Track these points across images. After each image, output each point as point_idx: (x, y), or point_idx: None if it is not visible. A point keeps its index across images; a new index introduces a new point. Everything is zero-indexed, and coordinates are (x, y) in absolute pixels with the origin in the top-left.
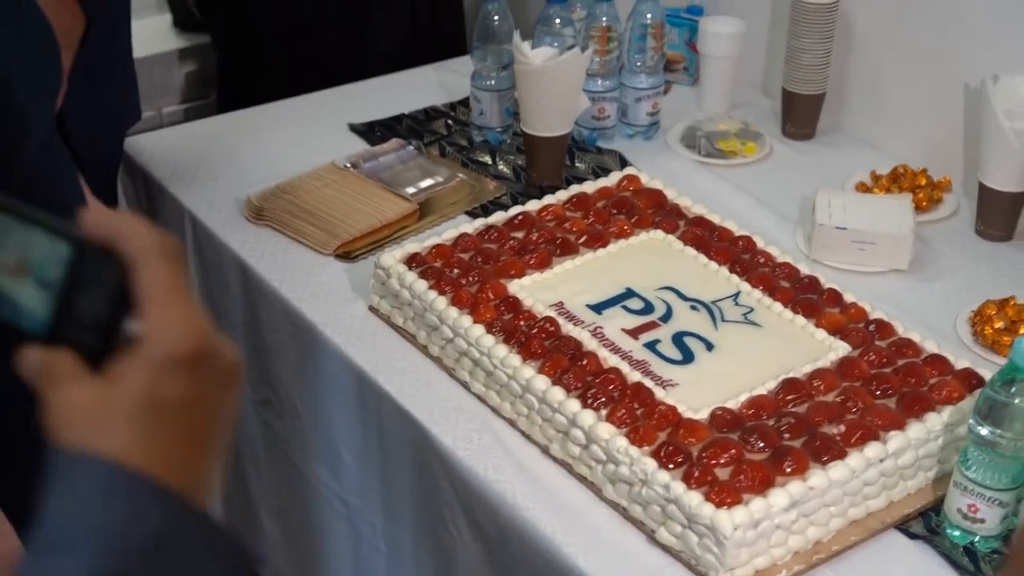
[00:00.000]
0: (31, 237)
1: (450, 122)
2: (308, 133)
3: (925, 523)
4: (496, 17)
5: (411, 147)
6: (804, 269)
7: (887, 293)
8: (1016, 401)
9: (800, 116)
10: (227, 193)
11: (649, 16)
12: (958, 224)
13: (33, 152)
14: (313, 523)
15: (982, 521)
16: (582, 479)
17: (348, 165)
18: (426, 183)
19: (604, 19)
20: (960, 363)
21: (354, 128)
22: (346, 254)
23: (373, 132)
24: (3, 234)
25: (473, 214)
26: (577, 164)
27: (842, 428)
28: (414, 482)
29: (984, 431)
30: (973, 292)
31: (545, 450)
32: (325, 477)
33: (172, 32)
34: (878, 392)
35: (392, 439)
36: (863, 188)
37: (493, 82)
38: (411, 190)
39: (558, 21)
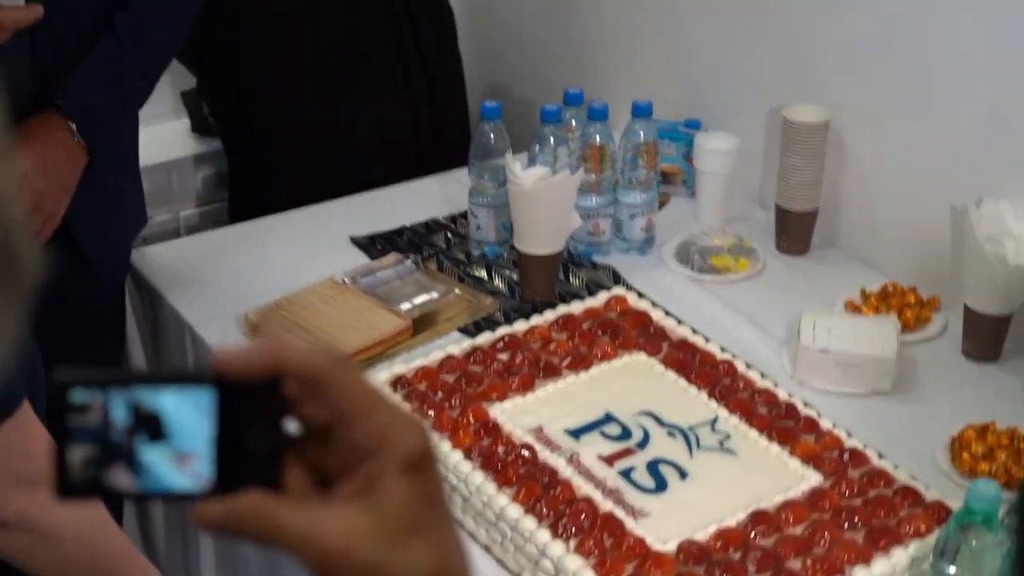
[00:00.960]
0: (165, 398)
1: (450, 235)
2: (311, 245)
3: None
4: (492, 135)
5: (409, 262)
6: (783, 395)
7: (870, 415)
8: (973, 543)
9: (793, 232)
10: (228, 308)
11: (642, 134)
12: (945, 344)
13: None
14: None
15: None
16: None
17: (346, 280)
18: (421, 299)
19: (598, 137)
20: (931, 495)
21: (355, 241)
22: None
23: (374, 245)
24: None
25: (466, 331)
26: (571, 279)
27: (808, 563)
28: None
29: (945, 568)
30: (956, 415)
31: None
32: None
33: (190, 137)
34: (847, 524)
35: None
36: (852, 306)
37: (489, 198)
38: (406, 306)
39: (552, 140)
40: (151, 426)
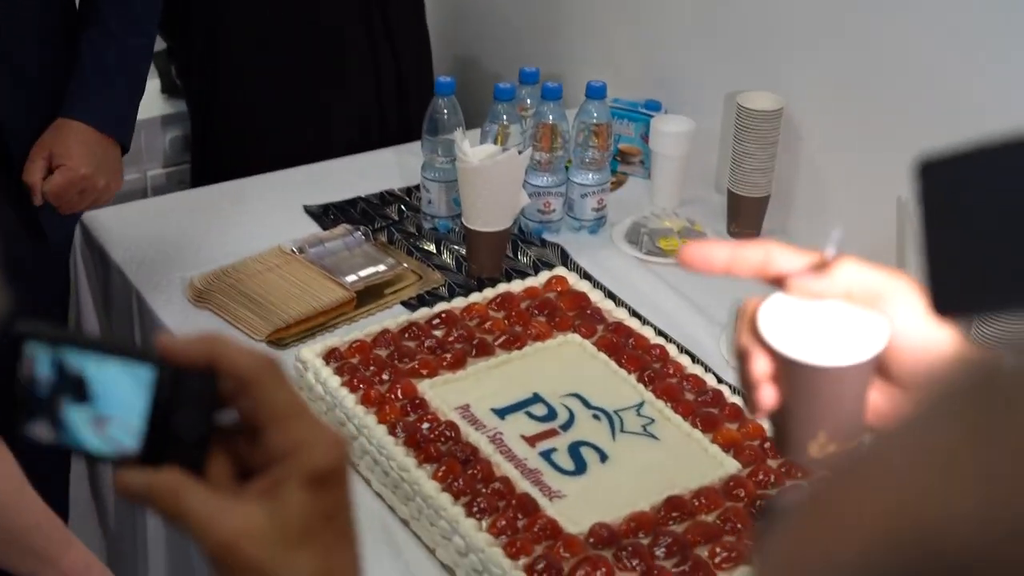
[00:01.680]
0: (105, 367)
1: (403, 207)
2: (264, 213)
3: None
4: (445, 111)
5: (358, 233)
6: (711, 381)
7: None
8: None
9: (744, 217)
10: (175, 273)
11: (595, 115)
12: None
13: None
14: None
15: None
16: None
17: (294, 250)
18: (367, 271)
19: (551, 116)
20: None
21: (308, 210)
22: (278, 340)
23: (327, 215)
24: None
25: (409, 304)
26: (519, 257)
27: (716, 549)
28: None
29: None
30: None
31: (432, 552)
32: None
33: (159, 98)
34: (759, 513)
35: None
36: None
37: (441, 173)
38: (351, 278)
39: (505, 118)
40: (77, 388)
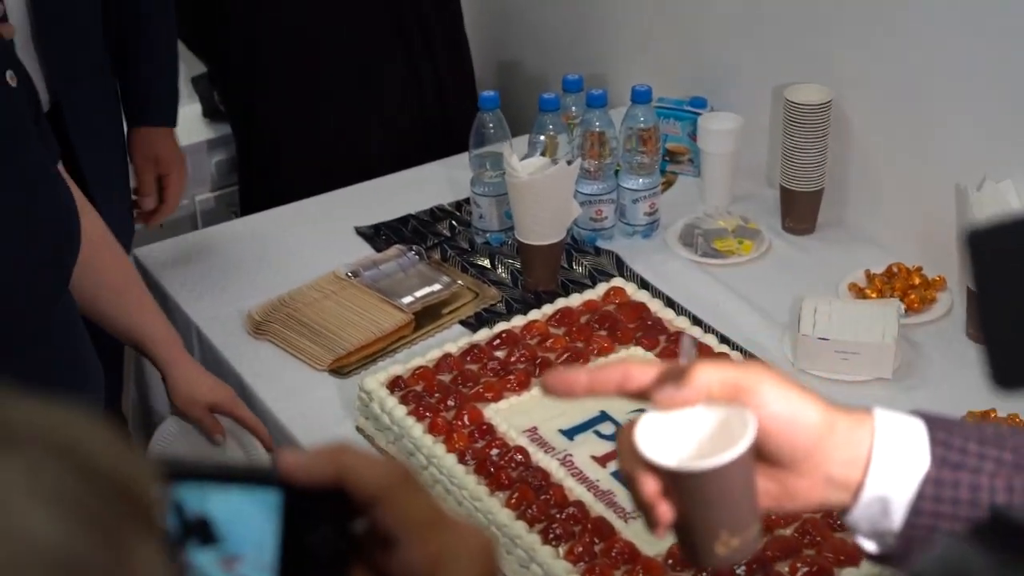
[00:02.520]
0: (227, 499)
1: (454, 222)
2: (316, 237)
3: None
4: (491, 124)
5: (412, 253)
6: None
7: (871, 402)
8: None
9: (798, 212)
10: (232, 305)
11: (642, 119)
12: (950, 325)
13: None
14: None
15: None
16: None
17: (349, 274)
18: (424, 291)
19: (597, 124)
20: None
21: (360, 231)
22: (340, 369)
23: (379, 235)
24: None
25: (468, 323)
26: (574, 267)
27: (797, 565)
28: None
29: None
30: (957, 401)
31: None
32: None
33: (202, 122)
34: (836, 524)
35: None
36: (856, 289)
37: (490, 188)
38: (408, 299)
39: (551, 127)
40: (201, 530)
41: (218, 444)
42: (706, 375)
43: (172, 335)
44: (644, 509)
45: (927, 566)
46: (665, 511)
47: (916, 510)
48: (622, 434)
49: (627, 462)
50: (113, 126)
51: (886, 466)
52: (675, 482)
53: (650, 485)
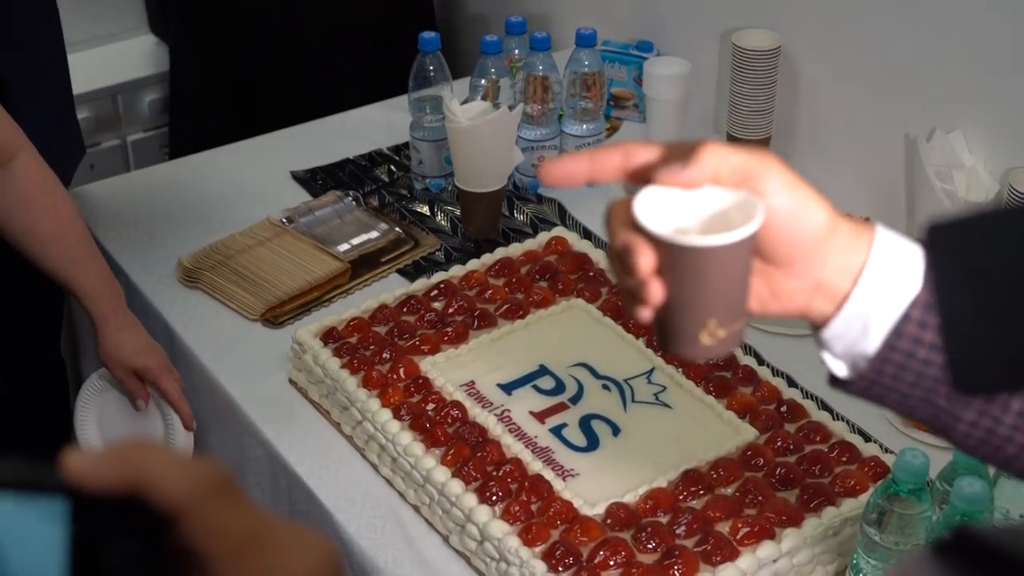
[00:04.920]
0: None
1: (393, 168)
2: (250, 181)
3: None
4: (431, 68)
5: (349, 199)
6: None
7: (816, 357)
8: (897, 509)
9: None
10: (162, 251)
11: (587, 63)
12: None
13: None
14: None
15: None
16: (480, 573)
17: (283, 220)
18: (360, 239)
19: (540, 68)
20: (868, 450)
21: (295, 176)
22: (273, 318)
23: (315, 180)
24: None
25: (406, 272)
26: (516, 215)
27: (738, 525)
28: None
29: (872, 534)
30: None
31: (446, 540)
32: None
33: (141, 60)
34: (779, 484)
35: (303, 518)
36: None
37: (430, 132)
38: (344, 247)
39: (493, 71)
40: None
41: (139, 409)
42: (715, 157)
43: (107, 289)
44: (633, 286)
45: None
46: (657, 290)
47: (898, 331)
48: (615, 206)
49: (620, 234)
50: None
51: (876, 281)
52: (674, 258)
53: (646, 259)
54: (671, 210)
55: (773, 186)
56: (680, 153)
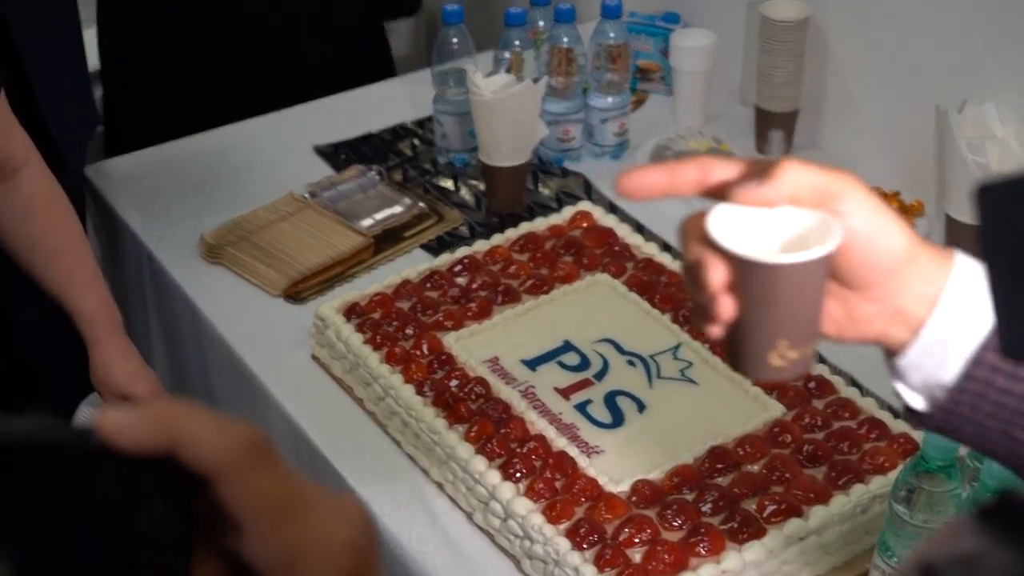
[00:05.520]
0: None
1: (416, 142)
2: (272, 156)
3: None
4: (455, 40)
5: (372, 174)
6: None
7: None
8: (926, 486)
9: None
10: (184, 226)
11: (612, 35)
12: None
13: None
14: None
15: None
16: (503, 550)
17: (306, 195)
18: (384, 214)
19: (565, 40)
20: (897, 426)
21: (319, 150)
22: (296, 294)
23: (338, 154)
24: None
25: (429, 247)
26: (541, 189)
27: (764, 503)
28: None
29: (901, 511)
30: None
31: (470, 517)
32: None
33: None
34: (807, 460)
35: None
36: None
37: (454, 106)
38: (368, 222)
39: (517, 43)
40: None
41: None
42: (794, 174)
43: (102, 311)
44: (704, 302)
45: (932, 554)
46: (727, 306)
47: (977, 360)
48: (689, 220)
49: (692, 249)
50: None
51: (954, 307)
52: (747, 275)
53: (717, 274)
54: (746, 228)
55: (853, 207)
56: (759, 171)
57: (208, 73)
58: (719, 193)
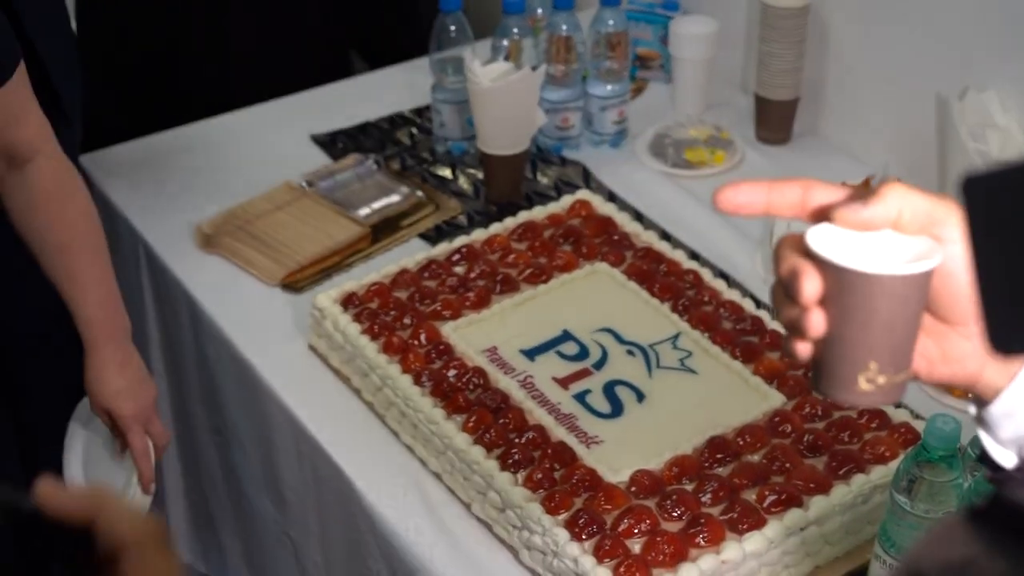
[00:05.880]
0: None
1: (414, 130)
2: (269, 145)
3: None
4: (452, 27)
5: (370, 162)
6: (749, 307)
7: None
8: (928, 476)
9: (773, 122)
10: (181, 216)
11: (611, 23)
12: None
13: None
14: (267, 551)
15: None
16: (502, 541)
17: (303, 184)
18: (381, 203)
19: (564, 27)
20: (898, 415)
21: (316, 139)
22: (293, 284)
23: (335, 143)
24: None
25: (427, 236)
26: (539, 178)
27: (765, 493)
28: (346, 530)
29: (902, 502)
30: None
31: (468, 508)
32: (271, 510)
33: None
34: (807, 451)
35: (325, 486)
36: None
37: (452, 94)
38: (365, 211)
39: (516, 31)
40: None
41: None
42: (898, 197)
43: (103, 317)
44: (794, 316)
45: (923, 560)
46: (819, 320)
47: None
48: (786, 237)
49: (788, 259)
50: None
51: None
52: (843, 286)
53: (812, 283)
54: (845, 249)
55: (956, 234)
56: (862, 194)
57: (176, 69)
58: (819, 215)
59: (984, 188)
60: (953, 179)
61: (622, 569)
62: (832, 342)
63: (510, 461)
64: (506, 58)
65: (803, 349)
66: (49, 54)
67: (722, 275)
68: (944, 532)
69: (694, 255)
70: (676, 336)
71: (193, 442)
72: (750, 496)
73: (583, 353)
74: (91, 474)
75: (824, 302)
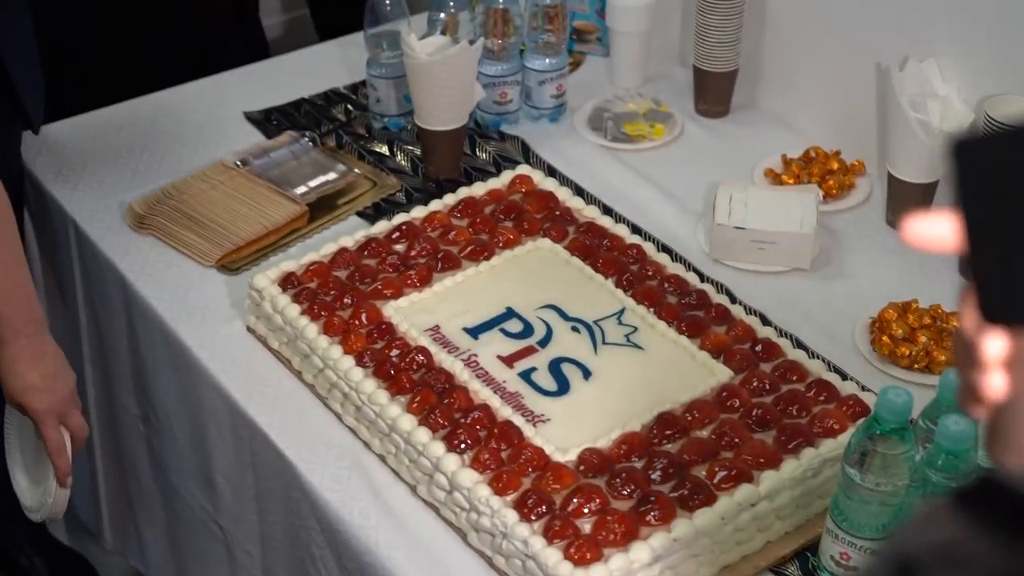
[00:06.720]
0: None
1: (350, 107)
2: (201, 123)
3: (801, 564)
4: (388, 2)
5: (305, 140)
6: (694, 280)
7: (788, 294)
8: (879, 449)
9: (712, 94)
10: (112, 196)
11: None
12: (870, 212)
13: None
14: (193, 542)
15: (855, 569)
16: (449, 523)
17: (238, 163)
18: (318, 181)
19: (501, 1)
20: (846, 388)
21: (249, 117)
22: (229, 264)
23: (269, 120)
24: None
25: (366, 215)
26: (478, 153)
27: (715, 469)
28: (287, 516)
29: (853, 475)
30: (878, 292)
31: (413, 490)
32: (201, 500)
33: None
34: (756, 425)
35: (264, 471)
36: (772, 175)
37: (388, 69)
38: (302, 189)
39: (452, 4)
40: None
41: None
42: None
43: (10, 309)
44: (972, 378)
45: (909, 544)
46: (999, 384)
47: None
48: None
49: (972, 315)
50: None
51: None
52: None
53: (995, 346)
54: None
55: None
56: None
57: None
58: None
59: (977, 154)
60: (893, 149)
61: (572, 549)
62: (1012, 410)
63: (456, 442)
64: (443, 32)
65: (980, 409)
66: (13, 63)
67: (665, 249)
68: (930, 514)
69: (636, 229)
70: (621, 312)
71: (119, 430)
72: (700, 472)
73: (527, 330)
74: (30, 462)
75: (1010, 364)
